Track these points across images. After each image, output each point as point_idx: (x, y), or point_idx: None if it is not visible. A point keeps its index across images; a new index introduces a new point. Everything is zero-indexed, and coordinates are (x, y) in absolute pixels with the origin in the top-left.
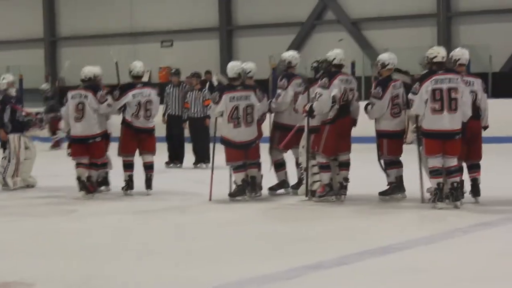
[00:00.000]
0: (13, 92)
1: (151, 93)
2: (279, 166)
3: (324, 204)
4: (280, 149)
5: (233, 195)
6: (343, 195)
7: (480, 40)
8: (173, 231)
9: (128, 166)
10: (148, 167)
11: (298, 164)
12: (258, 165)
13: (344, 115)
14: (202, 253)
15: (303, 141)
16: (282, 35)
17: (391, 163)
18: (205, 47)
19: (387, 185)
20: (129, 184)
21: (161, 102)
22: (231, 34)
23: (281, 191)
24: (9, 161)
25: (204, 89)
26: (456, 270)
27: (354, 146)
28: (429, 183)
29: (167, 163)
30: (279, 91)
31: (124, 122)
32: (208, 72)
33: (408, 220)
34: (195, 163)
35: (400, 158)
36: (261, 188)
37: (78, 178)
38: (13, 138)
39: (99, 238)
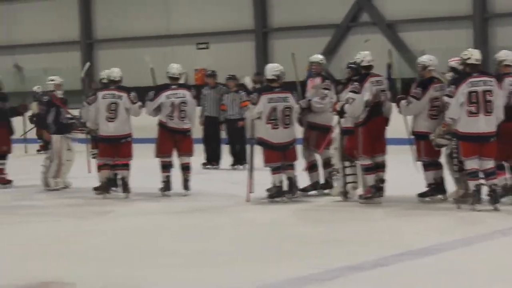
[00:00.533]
0: (59, 94)
1: (186, 95)
2: (313, 167)
3: (360, 206)
4: (315, 150)
5: (271, 196)
6: (380, 197)
7: None
8: (210, 232)
9: (166, 167)
10: (185, 168)
11: (325, 165)
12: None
13: (375, 115)
14: (239, 254)
15: (335, 143)
16: (317, 37)
17: (429, 165)
18: (240, 49)
19: (426, 186)
20: (166, 185)
21: (198, 104)
22: (267, 36)
23: (313, 192)
24: (51, 161)
25: (240, 91)
26: (494, 273)
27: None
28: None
29: (204, 165)
30: (325, 91)
31: (160, 123)
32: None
33: (446, 222)
34: (232, 165)
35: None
36: (297, 189)
37: (107, 179)
38: (56, 139)
39: (135, 239)
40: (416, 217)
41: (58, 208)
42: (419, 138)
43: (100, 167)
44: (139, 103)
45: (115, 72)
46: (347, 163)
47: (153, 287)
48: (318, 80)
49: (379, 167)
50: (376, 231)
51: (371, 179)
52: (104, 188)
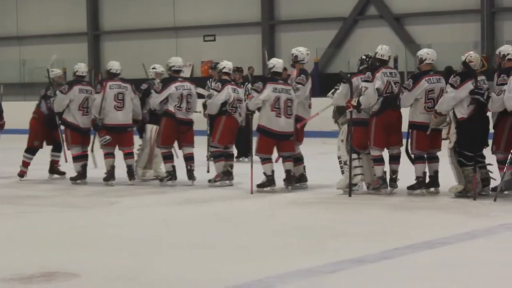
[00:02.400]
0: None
1: (191, 87)
2: (297, 160)
3: (366, 198)
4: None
5: (261, 186)
6: (395, 188)
7: None
8: (214, 224)
9: (169, 157)
10: (189, 159)
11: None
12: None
13: (389, 107)
14: (242, 246)
15: (341, 135)
16: (324, 30)
17: (419, 158)
18: (247, 41)
19: (415, 179)
20: (172, 174)
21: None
22: (273, 28)
23: (297, 185)
24: (143, 149)
25: (246, 83)
26: (498, 266)
27: None
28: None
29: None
30: (298, 85)
31: (167, 113)
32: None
33: (450, 216)
34: (237, 157)
35: (438, 154)
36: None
37: (112, 167)
38: (150, 128)
39: (141, 230)
40: (420, 211)
41: (64, 198)
42: (413, 128)
43: (109, 155)
44: (139, 95)
45: (117, 65)
46: (354, 156)
47: (156, 278)
48: (294, 73)
49: (394, 159)
50: (380, 224)
51: (380, 170)
52: (112, 175)
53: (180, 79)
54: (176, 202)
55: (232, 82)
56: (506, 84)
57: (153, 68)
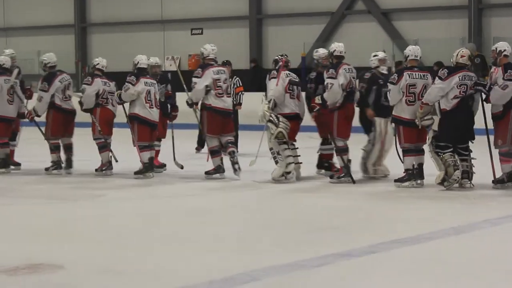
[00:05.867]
0: (384, 70)
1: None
2: (215, 153)
3: (352, 192)
4: (213, 136)
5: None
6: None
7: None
8: (199, 217)
9: (58, 148)
10: (69, 149)
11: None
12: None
13: (349, 101)
14: (227, 240)
15: (270, 129)
16: (312, 25)
17: (407, 151)
18: (234, 35)
19: (404, 172)
20: (58, 164)
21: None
22: (261, 22)
23: (217, 175)
24: (373, 145)
25: (235, 77)
26: (484, 261)
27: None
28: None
29: (197, 149)
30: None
31: (53, 105)
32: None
33: (436, 211)
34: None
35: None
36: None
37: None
38: (379, 122)
39: (126, 222)
40: (407, 206)
41: (47, 190)
42: (400, 123)
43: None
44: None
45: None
46: (285, 146)
47: (142, 270)
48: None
49: (346, 150)
50: (366, 219)
51: (344, 159)
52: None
53: (58, 72)
54: (161, 195)
55: (103, 76)
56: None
57: (374, 56)
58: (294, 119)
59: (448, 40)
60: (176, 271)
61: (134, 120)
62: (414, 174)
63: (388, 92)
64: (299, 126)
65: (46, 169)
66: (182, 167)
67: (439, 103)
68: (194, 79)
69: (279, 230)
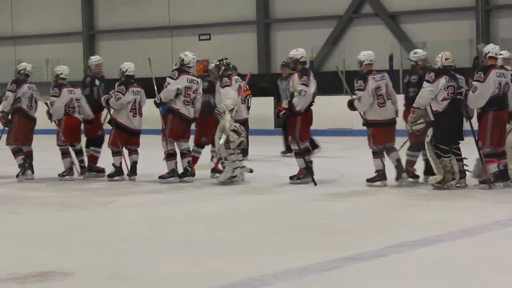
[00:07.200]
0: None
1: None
2: (170, 156)
3: (359, 195)
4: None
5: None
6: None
7: None
8: (208, 222)
9: (20, 151)
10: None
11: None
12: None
13: (311, 106)
14: (237, 245)
15: (218, 133)
16: (320, 29)
17: (377, 153)
18: (242, 40)
19: (375, 172)
20: (25, 167)
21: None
22: (269, 27)
23: (172, 179)
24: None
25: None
26: (493, 263)
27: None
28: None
29: (283, 153)
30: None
31: (19, 110)
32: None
33: (445, 213)
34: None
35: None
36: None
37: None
38: None
39: (135, 229)
40: (415, 208)
41: (57, 198)
42: (371, 126)
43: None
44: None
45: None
46: (231, 151)
47: (151, 276)
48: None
49: (308, 151)
50: (375, 222)
51: (301, 162)
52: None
53: (28, 80)
54: (171, 201)
55: (68, 85)
56: (480, 81)
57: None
58: (244, 124)
59: (456, 42)
60: (185, 276)
61: (113, 123)
62: (385, 175)
63: (358, 99)
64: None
65: (17, 175)
66: (251, 171)
67: (430, 106)
68: (168, 79)
69: (288, 234)
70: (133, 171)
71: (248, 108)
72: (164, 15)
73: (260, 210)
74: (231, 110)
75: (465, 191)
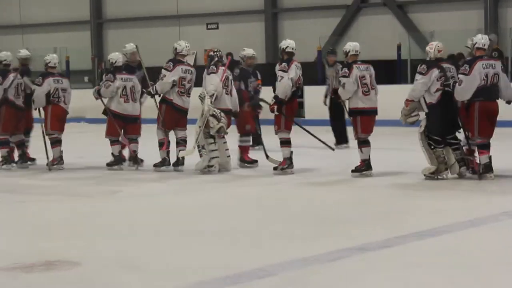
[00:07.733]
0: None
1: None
2: (162, 145)
3: (364, 185)
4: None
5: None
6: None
7: None
8: (214, 212)
9: (5, 143)
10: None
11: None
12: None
13: (295, 96)
14: (243, 235)
15: (199, 122)
16: (328, 18)
17: (364, 142)
18: (250, 29)
19: (360, 162)
20: (7, 159)
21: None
22: (276, 16)
23: (163, 168)
24: None
25: (338, 63)
26: (499, 254)
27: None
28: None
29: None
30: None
31: (6, 101)
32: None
33: (452, 204)
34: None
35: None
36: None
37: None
38: None
39: (142, 218)
40: (422, 199)
41: (64, 187)
42: (357, 114)
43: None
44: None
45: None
46: (211, 140)
47: (157, 266)
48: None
49: (289, 142)
50: (381, 212)
51: (287, 151)
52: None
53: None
54: (178, 190)
55: (57, 74)
56: (466, 74)
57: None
58: (227, 114)
59: (464, 32)
60: (192, 266)
61: (108, 113)
62: (370, 164)
63: (342, 86)
64: (230, 121)
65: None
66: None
67: (424, 98)
68: (164, 71)
69: (294, 224)
70: (135, 161)
71: (261, 99)
72: (172, 4)
73: (265, 200)
74: (211, 96)
75: (471, 182)
